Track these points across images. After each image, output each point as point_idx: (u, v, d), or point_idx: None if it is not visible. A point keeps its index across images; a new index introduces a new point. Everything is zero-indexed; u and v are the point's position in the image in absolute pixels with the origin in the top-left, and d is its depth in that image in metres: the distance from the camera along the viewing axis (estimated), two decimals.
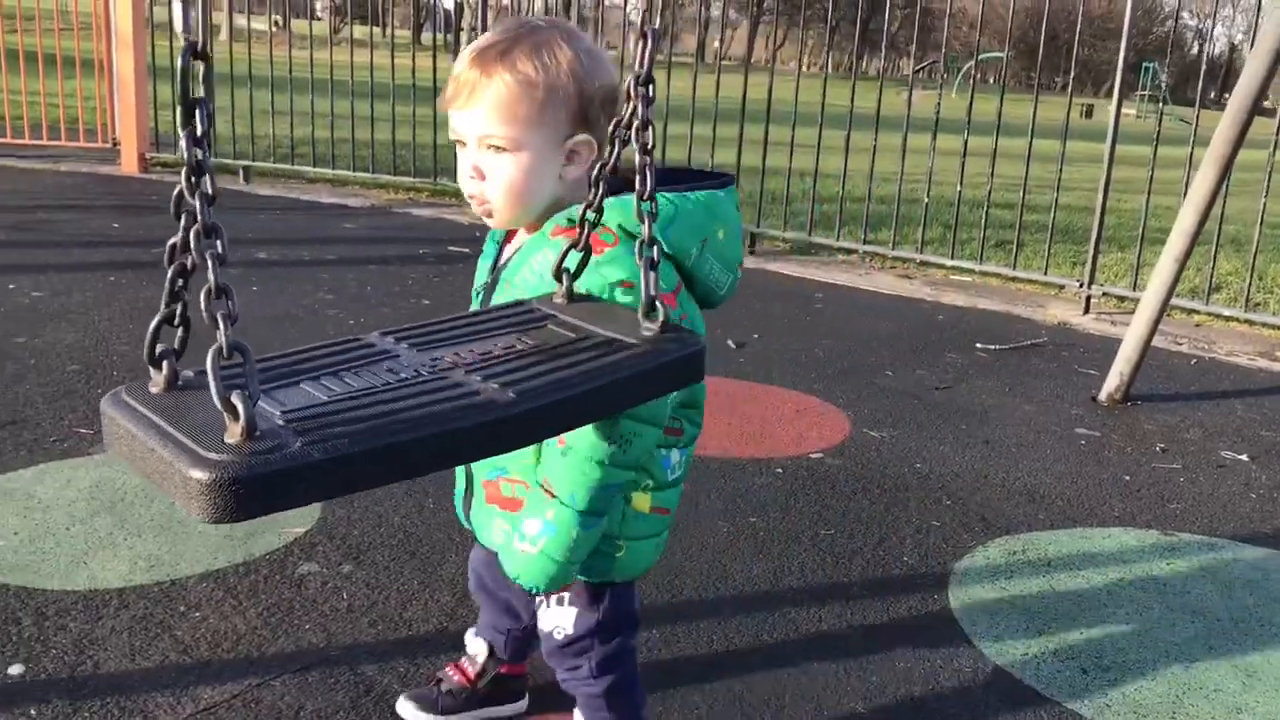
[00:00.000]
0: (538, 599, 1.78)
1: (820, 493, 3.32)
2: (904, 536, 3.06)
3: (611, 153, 1.44)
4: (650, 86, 1.41)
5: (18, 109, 8.96)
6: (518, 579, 1.57)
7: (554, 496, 1.52)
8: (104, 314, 4.58)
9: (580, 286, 1.48)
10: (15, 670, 2.19)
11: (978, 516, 3.24)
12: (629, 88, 1.41)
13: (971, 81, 6.75)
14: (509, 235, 1.71)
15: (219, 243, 1.09)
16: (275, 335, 4.52)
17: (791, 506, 3.21)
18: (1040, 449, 3.88)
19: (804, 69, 7.57)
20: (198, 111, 1.09)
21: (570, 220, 1.53)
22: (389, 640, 2.37)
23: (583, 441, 1.49)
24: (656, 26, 1.39)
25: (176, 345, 1.18)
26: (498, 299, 1.62)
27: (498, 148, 1.53)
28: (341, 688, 2.19)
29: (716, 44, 34.80)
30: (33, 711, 2.06)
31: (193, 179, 1.09)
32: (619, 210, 1.51)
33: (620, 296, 1.49)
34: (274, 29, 10.32)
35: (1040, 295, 6.57)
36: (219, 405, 1.03)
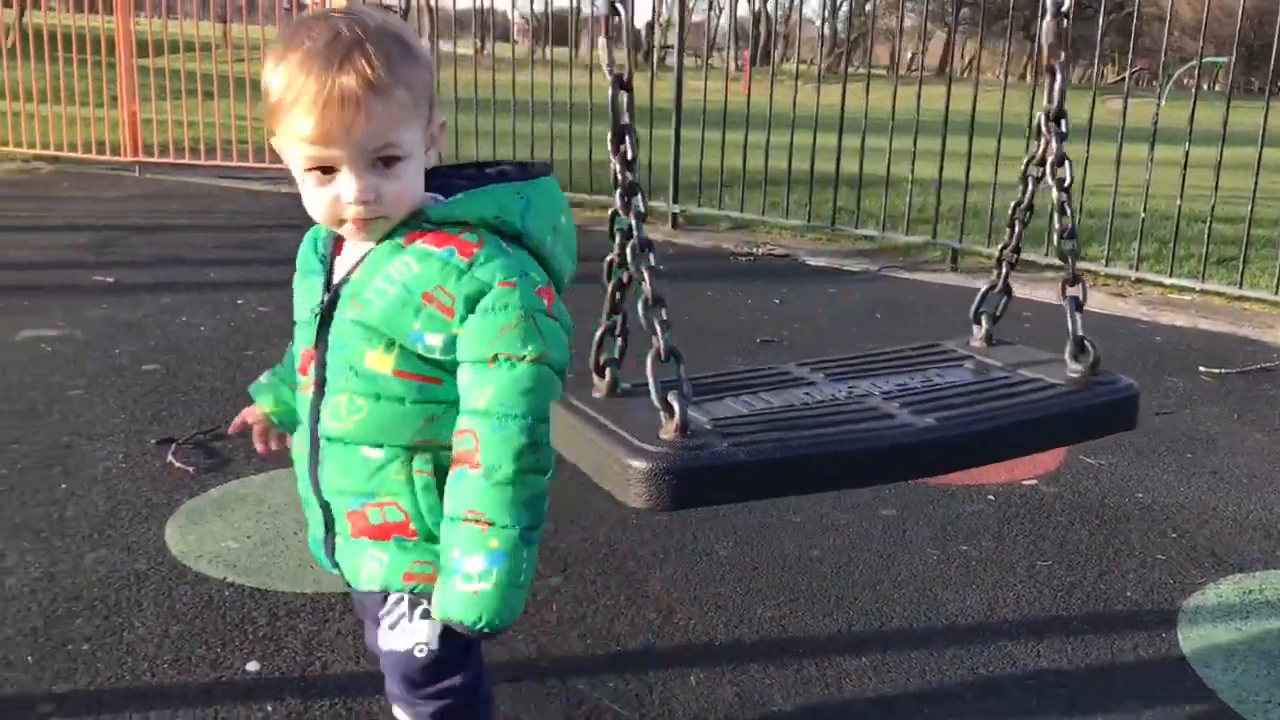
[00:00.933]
0: (383, 617, 1.58)
1: (1035, 522, 3.19)
2: (1126, 570, 2.91)
3: (1025, 191, 1.44)
4: (1063, 121, 1.39)
5: (243, 134, 9.57)
6: (478, 623, 1.39)
7: (491, 525, 1.39)
8: None
9: (458, 294, 1.40)
10: (252, 666, 2.31)
11: (1207, 551, 3.05)
12: (1039, 123, 1.40)
13: (1192, 88, 6.38)
14: (337, 247, 1.55)
15: (651, 256, 1.18)
16: None
17: (1005, 535, 3.09)
18: (1275, 481, 3.62)
19: (1004, 78, 7.32)
20: (626, 137, 1.20)
21: (430, 224, 1.44)
22: (598, 655, 2.40)
23: (505, 460, 1.38)
24: (1063, 60, 1.38)
25: (616, 354, 1.28)
26: (344, 316, 1.48)
27: (394, 158, 1.40)
28: (554, 700, 2.22)
29: (909, 54, 34.16)
30: (269, 707, 2.17)
31: (626, 199, 1.20)
32: (474, 204, 1.46)
33: (503, 297, 1.40)
34: (476, 52, 10.67)
35: (1269, 315, 6.14)
36: (656, 403, 1.12)
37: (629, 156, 1.20)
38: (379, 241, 1.47)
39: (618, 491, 1.11)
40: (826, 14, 21.66)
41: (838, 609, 2.64)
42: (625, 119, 1.20)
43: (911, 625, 2.58)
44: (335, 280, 1.51)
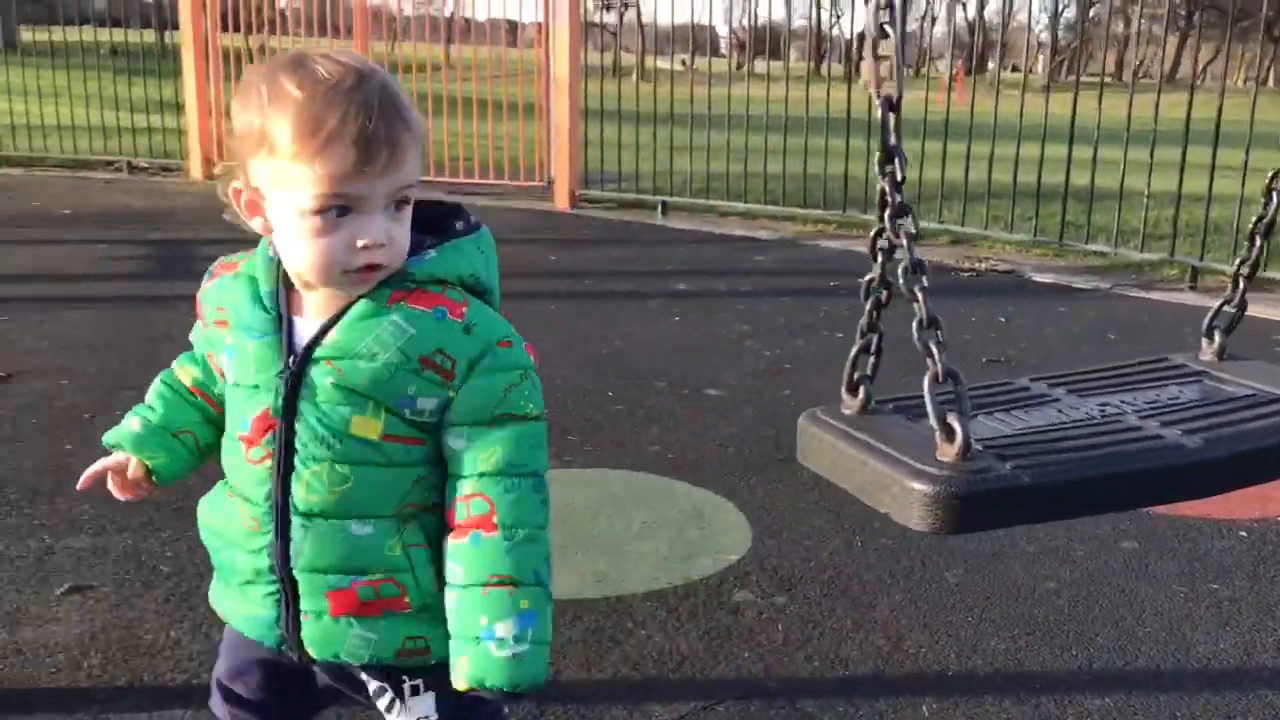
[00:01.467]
0: (386, 703, 1.51)
1: None
2: None
3: (1270, 205, 1.42)
4: None
5: (469, 151, 9.98)
6: (518, 687, 1.34)
7: (518, 586, 1.34)
8: (549, 341, 4.97)
9: (459, 356, 1.34)
10: None
11: None
12: None
13: None
14: (291, 303, 1.40)
15: (924, 278, 1.20)
16: (700, 365, 4.70)
17: (1261, 575, 2.89)
18: None
19: (1239, 83, 6.86)
20: (895, 159, 1.22)
21: (414, 283, 1.36)
22: (826, 678, 2.38)
23: (524, 519, 1.35)
24: None
25: (869, 371, 1.32)
26: (322, 381, 1.36)
27: (405, 201, 1.35)
28: None
29: (1138, 60, 32.50)
30: (505, 710, 2.25)
31: (895, 220, 1.22)
32: (454, 261, 1.39)
33: (503, 357, 1.36)
34: (683, 67, 10.79)
35: None
36: (935, 425, 1.14)
37: (898, 178, 1.21)
38: (354, 300, 1.36)
39: (896, 512, 1.11)
40: (1047, 19, 20.83)
41: (1076, 645, 2.52)
42: (894, 140, 1.21)
43: (1158, 666, 2.44)
44: (301, 341, 1.37)
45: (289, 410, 1.36)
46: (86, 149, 10.56)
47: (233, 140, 1.38)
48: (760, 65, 10.03)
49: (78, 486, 1.52)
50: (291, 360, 1.36)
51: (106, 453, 1.54)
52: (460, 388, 1.34)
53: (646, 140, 9.05)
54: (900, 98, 1.21)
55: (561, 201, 9.25)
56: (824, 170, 8.24)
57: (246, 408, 1.39)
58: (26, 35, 13.72)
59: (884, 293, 1.26)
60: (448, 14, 13.62)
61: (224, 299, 1.43)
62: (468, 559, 1.35)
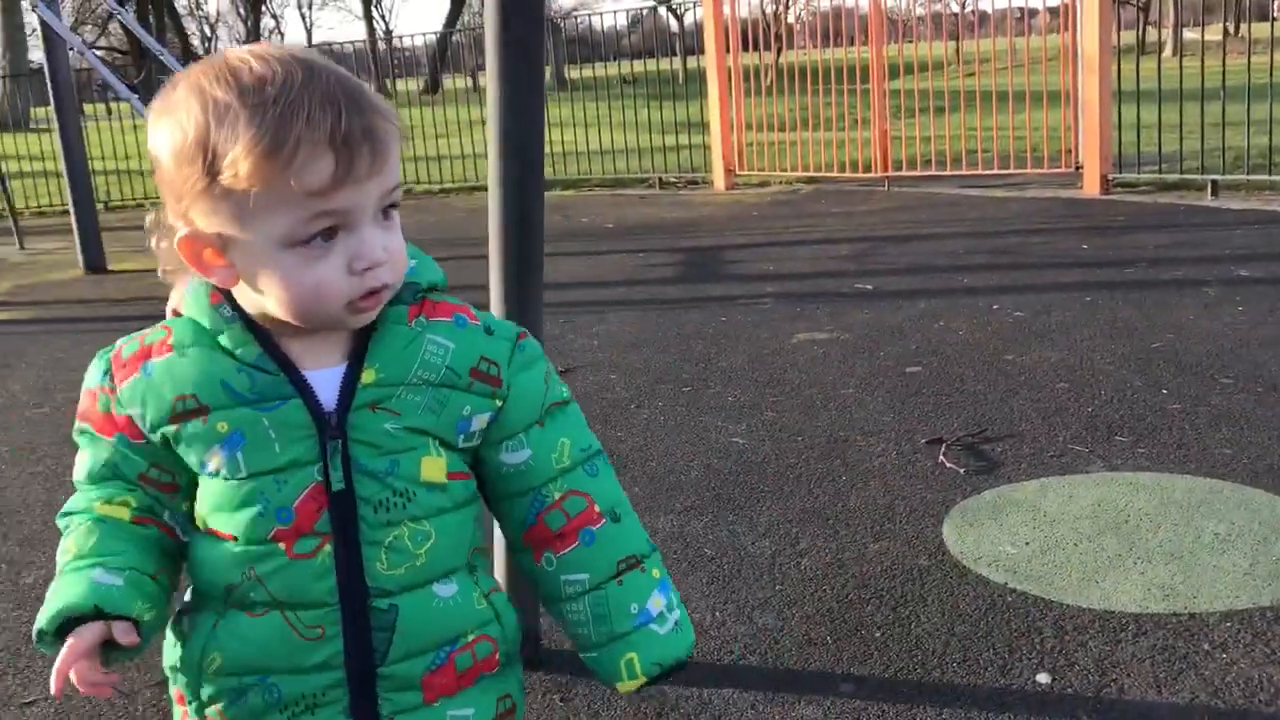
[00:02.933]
0: None
1: None
2: None
3: None
4: None
5: (987, 143, 9.60)
6: (690, 650, 1.25)
7: (643, 559, 1.25)
8: (1084, 333, 4.59)
9: (500, 359, 1.21)
10: (1043, 679, 2.20)
11: None
12: None
13: None
14: (277, 356, 1.15)
15: None
16: (1276, 358, 4.09)
17: None
18: None
19: None
20: None
21: (419, 294, 1.20)
22: None
23: (616, 494, 1.26)
24: None
25: None
26: (379, 427, 1.15)
27: (393, 205, 1.14)
28: None
29: None
30: None
31: None
32: (429, 266, 1.23)
33: (527, 349, 1.25)
34: (1226, 37, 9.58)
35: None
36: None
37: None
38: (369, 328, 1.17)
39: None
40: None
41: None
42: None
43: None
44: (328, 395, 1.15)
45: (337, 476, 1.15)
46: (624, 169, 11.54)
47: (164, 182, 1.11)
48: None
49: (53, 693, 1.10)
50: (332, 418, 1.15)
51: None
52: (507, 394, 1.21)
53: (1186, 119, 8.13)
54: None
55: (1091, 187, 8.61)
56: None
57: (279, 495, 1.14)
58: (574, 74, 15.29)
59: None
60: (958, 8, 13.25)
61: (182, 384, 1.14)
62: (590, 560, 1.23)
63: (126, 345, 1.19)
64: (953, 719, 2.11)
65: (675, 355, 4.79)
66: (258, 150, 1.03)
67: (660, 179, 11.24)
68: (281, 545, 1.13)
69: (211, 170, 1.06)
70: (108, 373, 1.17)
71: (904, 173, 9.98)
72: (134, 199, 12.25)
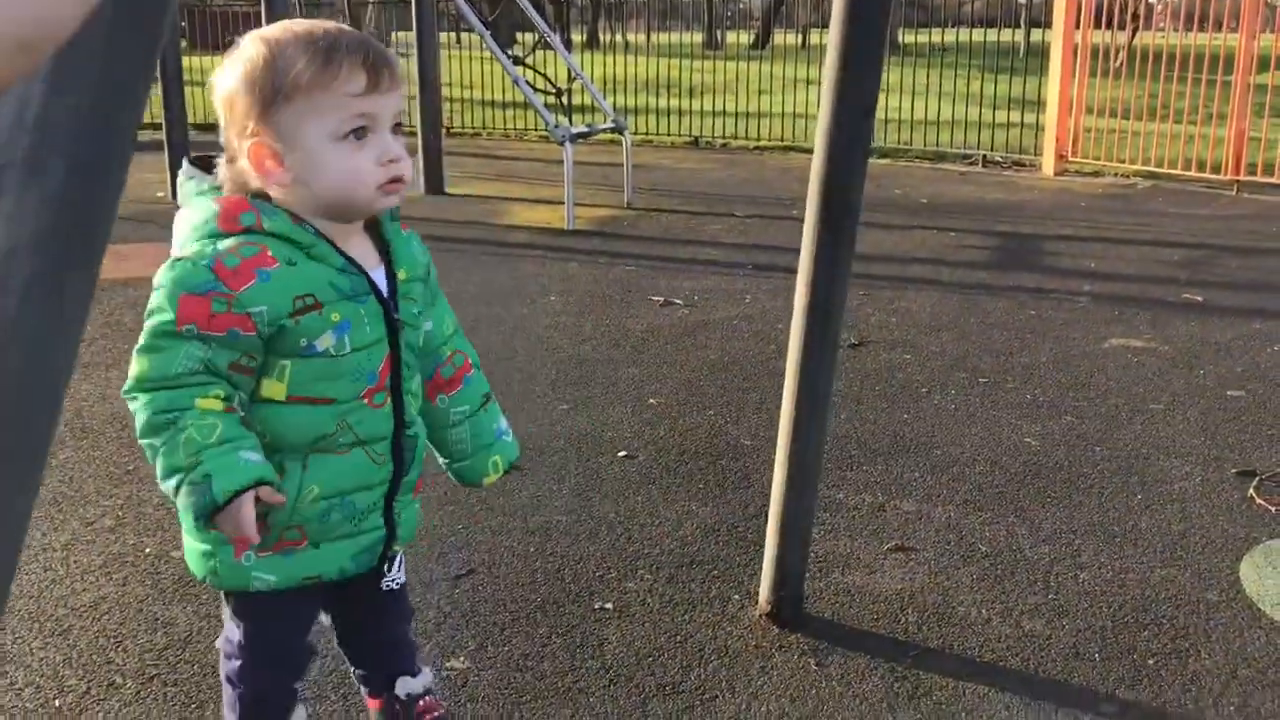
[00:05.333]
0: (395, 569, 1.81)
1: None
2: None
3: None
4: None
5: None
6: (518, 457, 1.87)
7: (491, 393, 1.84)
8: None
9: (415, 267, 1.66)
10: None
11: None
12: None
13: None
14: (347, 259, 1.57)
15: None
16: None
17: None
18: None
19: None
20: None
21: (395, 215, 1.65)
22: None
23: (474, 351, 1.84)
24: None
25: None
26: (410, 311, 1.64)
27: (399, 125, 1.54)
28: None
29: None
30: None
31: None
32: None
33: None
34: None
35: None
36: None
37: None
38: (381, 233, 1.63)
39: None
40: None
41: None
42: None
43: None
44: (381, 285, 1.59)
45: (394, 346, 1.60)
46: (946, 142, 11.19)
47: (235, 110, 1.47)
48: None
49: (245, 549, 1.57)
50: (392, 307, 1.60)
51: None
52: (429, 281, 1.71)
53: None
54: None
55: None
56: None
57: (367, 364, 1.56)
58: (908, 38, 14.88)
59: None
60: None
61: (300, 285, 1.50)
62: (468, 397, 1.78)
63: (223, 258, 1.46)
64: None
65: (975, 344, 4.68)
66: (315, 65, 1.44)
67: (984, 157, 10.83)
68: (364, 400, 1.57)
69: (277, 85, 1.44)
70: (215, 281, 1.45)
71: (1258, 178, 9.14)
72: (472, 127, 13.05)
